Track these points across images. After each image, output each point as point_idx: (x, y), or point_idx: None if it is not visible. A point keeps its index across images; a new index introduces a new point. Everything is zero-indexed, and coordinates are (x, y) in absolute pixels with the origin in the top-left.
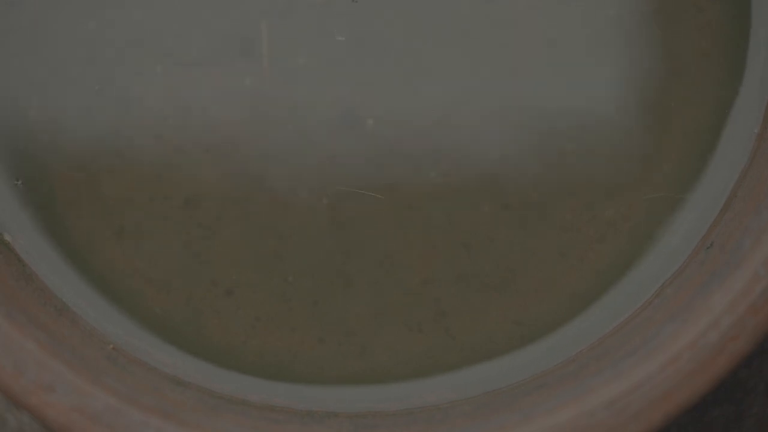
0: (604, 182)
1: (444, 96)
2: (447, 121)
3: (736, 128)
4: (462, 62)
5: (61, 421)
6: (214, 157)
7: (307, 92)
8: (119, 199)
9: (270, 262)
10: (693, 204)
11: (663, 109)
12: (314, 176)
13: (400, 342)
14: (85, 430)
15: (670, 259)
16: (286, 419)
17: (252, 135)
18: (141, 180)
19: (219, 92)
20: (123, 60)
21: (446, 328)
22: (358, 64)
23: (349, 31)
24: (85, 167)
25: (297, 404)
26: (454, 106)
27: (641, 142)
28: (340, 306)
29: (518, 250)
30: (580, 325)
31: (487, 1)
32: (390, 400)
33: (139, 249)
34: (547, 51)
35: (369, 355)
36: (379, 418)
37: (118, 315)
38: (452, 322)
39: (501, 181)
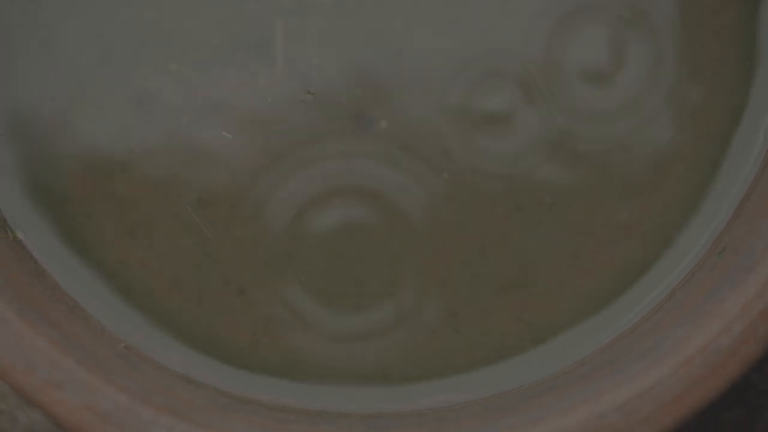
0: (616, 185)
1: (459, 95)
2: (460, 122)
3: (749, 133)
4: (477, 61)
5: (72, 419)
6: (228, 155)
7: (320, 92)
8: (132, 197)
9: (282, 262)
10: (706, 207)
11: (676, 113)
12: (327, 176)
13: (412, 342)
14: (96, 428)
15: (682, 262)
16: (297, 419)
17: (266, 134)
18: (154, 178)
19: (233, 91)
20: (137, 58)
21: (457, 329)
22: (372, 63)
23: (364, 30)
24: (99, 165)
25: (308, 404)
26: (470, 106)
27: (654, 146)
28: (352, 306)
29: (530, 252)
30: (591, 328)
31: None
32: (401, 400)
33: (151, 247)
34: (560, 51)
35: (381, 355)
36: (390, 418)
37: (129, 313)
38: (464, 322)
39: (514, 183)
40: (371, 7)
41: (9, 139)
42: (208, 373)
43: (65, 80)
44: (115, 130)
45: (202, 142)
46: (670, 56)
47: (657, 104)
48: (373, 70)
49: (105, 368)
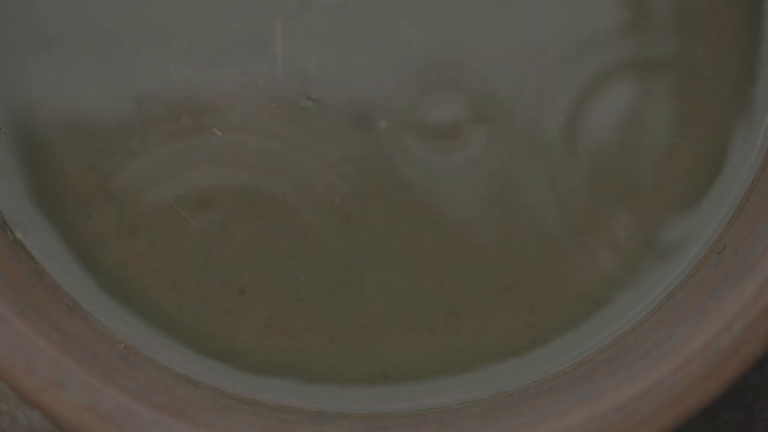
0: (617, 185)
1: (462, 97)
2: (461, 123)
3: (749, 133)
4: (481, 67)
5: (72, 420)
6: (227, 156)
7: (320, 93)
8: (132, 197)
9: (282, 262)
10: (706, 207)
11: (676, 112)
12: (327, 176)
13: (412, 343)
14: (96, 428)
15: (683, 262)
16: (297, 419)
17: (265, 134)
18: (154, 179)
19: (232, 92)
20: (137, 59)
21: (457, 330)
22: (372, 64)
23: (364, 31)
24: (99, 165)
25: (308, 404)
26: (471, 107)
27: (654, 146)
28: (352, 306)
29: (530, 252)
30: (591, 328)
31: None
32: (401, 400)
33: (151, 248)
34: (556, 53)
35: (380, 355)
36: (390, 418)
37: (130, 313)
38: (464, 323)
39: (514, 183)
40: (372, 7)
41: (9, 139)
42: (208, 373)
43: (65, 80)
44: (115, 131)
45: (201, 142)
46: (670, 56)
47: (657, 104)
48: (374, 70)
49: (105, 368)
